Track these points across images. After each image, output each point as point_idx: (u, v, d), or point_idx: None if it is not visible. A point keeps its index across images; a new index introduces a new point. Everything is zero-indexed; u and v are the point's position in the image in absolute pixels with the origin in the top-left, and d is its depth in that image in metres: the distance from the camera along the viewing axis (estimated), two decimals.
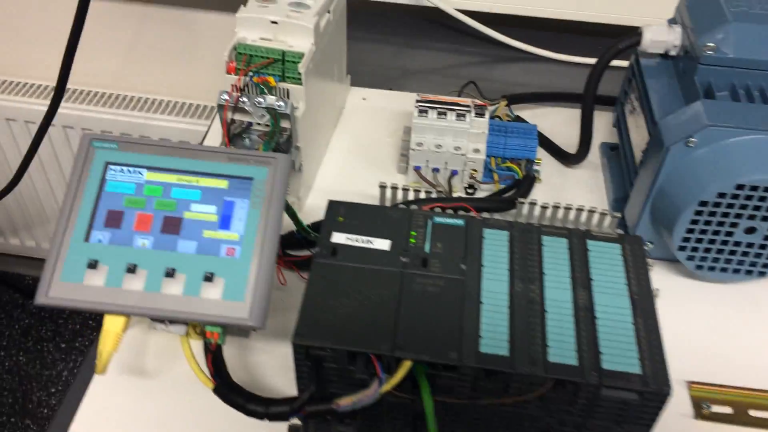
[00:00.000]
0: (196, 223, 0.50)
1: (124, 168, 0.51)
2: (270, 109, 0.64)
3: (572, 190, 0.76)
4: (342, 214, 0.55)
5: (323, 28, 0.68)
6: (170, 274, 0.48)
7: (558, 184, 0.76)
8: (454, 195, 0.72)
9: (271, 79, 0.64)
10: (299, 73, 0.64)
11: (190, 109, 1.26)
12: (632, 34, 0.67)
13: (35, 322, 1.62)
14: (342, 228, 0.53)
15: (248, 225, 0.50)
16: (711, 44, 0.60)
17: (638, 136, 0.68)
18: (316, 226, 0.62)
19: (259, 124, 0.66)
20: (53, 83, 1.25)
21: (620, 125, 0.75)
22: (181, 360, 0.50)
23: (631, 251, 0.52)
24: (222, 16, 1.16)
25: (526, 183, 0.70)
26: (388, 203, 0.69)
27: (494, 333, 0.47)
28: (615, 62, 0.95)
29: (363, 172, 0.78)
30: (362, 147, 0.81)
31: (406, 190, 0.67)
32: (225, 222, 0.50)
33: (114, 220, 0.50)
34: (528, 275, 0.50)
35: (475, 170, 0.73)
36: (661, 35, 0.66)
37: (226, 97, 0.64)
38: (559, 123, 0.84)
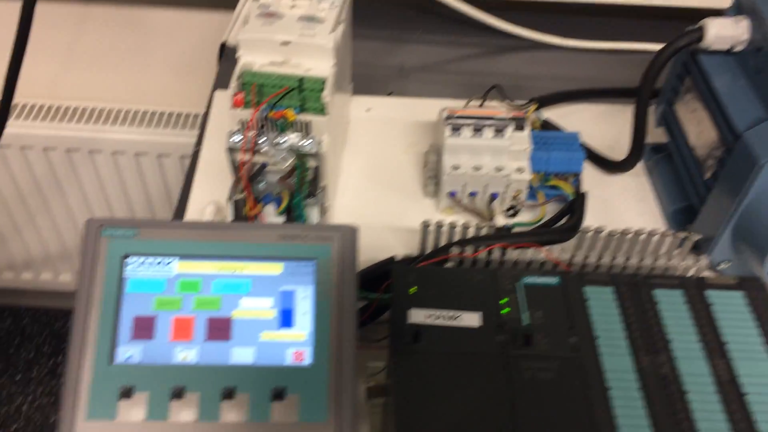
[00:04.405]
0: (250, 323, 0.40)
1: (148, 259, 0.40)
2: (294, 150, 0.53)
3: (619, 202, 0.69)
4: (412, 282, 0.45)
5: (339, 42, 0.57)
6: (229, 394, 0.38)
7: (601, 195, 0.69)
8: (497, 222, 0.64)
9: (290, 113, 0.54)
10: (323, 103, 0.54)
11: (145, 117, 1.12)
12: (691, 29, 0.59)
13: None
14: (418, 302, 0.44)
15: (318, 320, 0.40)
16: None
17: (702, 140, 0.60)
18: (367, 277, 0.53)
19: (275, 164, 0.55)
20: None
21: (670, 125, 0.67)
22: None
23: (755, 298, 0.45)
24: (171, 13, 1.02)
25: (580, 203, 0.62)
26: (430, 243, 0.60)
27: (634, 428, 0.39)
28: (623, 45, 0.89)
29: (386, 200, 0.68)
30: (378, 168, 0.71)
31: (453, 227, 0.58)
32: (286, 318, 0.40)
33: (143, 329, 0.39)
34: (652, 344, 0.43)
35: (519, 191, 0.64)
36: (727, 30, 0.58)
37: (238, 139, 0.53)
38: (587, 122, 0.76)
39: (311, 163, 0.55)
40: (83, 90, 1.12)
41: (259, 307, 0.40)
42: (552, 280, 0.46)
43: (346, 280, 0.40)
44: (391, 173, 0.71)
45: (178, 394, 0.38)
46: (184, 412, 0.38)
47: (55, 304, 1.51)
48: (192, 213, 0.65)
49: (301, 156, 0.53)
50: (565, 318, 0.44)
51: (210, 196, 0.65)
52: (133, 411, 0.37)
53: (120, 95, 1.12)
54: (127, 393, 0.38)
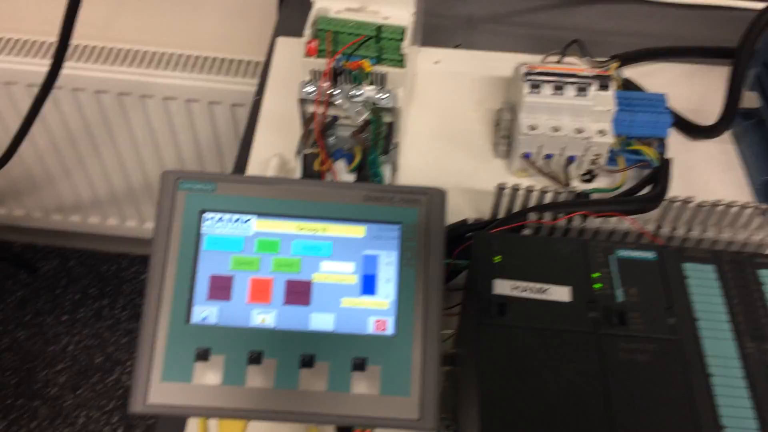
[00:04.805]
0: (330, 288, 0.38)
1: (225, 216, 0.38)
2: (370, 104, 0.50)
3: (703, 170, 0.65)
4: (496, 250, 0.43)
5: None
6: (308, 362, 0.36)
7: (685, 162, 0.65)
8: (575, 188, 0.60)
9: (366, 63, 0.51)
10: (401, 54, 0.51)
11: (197, 62, 1.09)
12: None
13: (30, 293, 1.49)
14: (503, 272, 0.42)
15: (401, 288, 0.37)
16: None
17: None
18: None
19: (347, 117, 0.52)
20: (38, 37, 1.09)
21: (765, 89, 0.63)
22: None
23: None
24: None
25: (665, 170, 0.59)
26: (503, 207, 0.57)
27: (738, 419, 0.36)
28: (708, 1, 0.83)
29: (454, 159, 0.65)
30: (446, 125, 0.68)
31: (530, 191, 0.55)
32: (368, 285, 0.38)
33: (220, 289, 0.37)
34: (757, 329, 0.40)
35: (598, 155, 0.60)
36: None
37: (311, 90, 0.50)
38: (670, 82, 0.71)
39: (386, 118, 0.52)
40: (136, 33, 1.09)
41: (340, 272, 0.38)
42: (648, 254, 0.43)
43: (433, 246, 0.38)
44: (460, 131, 0.67)
45: (255, 359, 0.36)
46: (262, 378, 0.36)
47: (102, 247, 1.52)
48: (254, 165, 0.63)
49: (377, 110, 0.50)
50: (663, 296, 0.41)
51: (273, 148, 0.63)
52: (209, 374, 0.36)
53: (173, 39, 1.09)
54: (203, 355, 0.36)
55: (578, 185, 0.62)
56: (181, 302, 0.37)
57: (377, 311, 0.37)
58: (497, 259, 0.42)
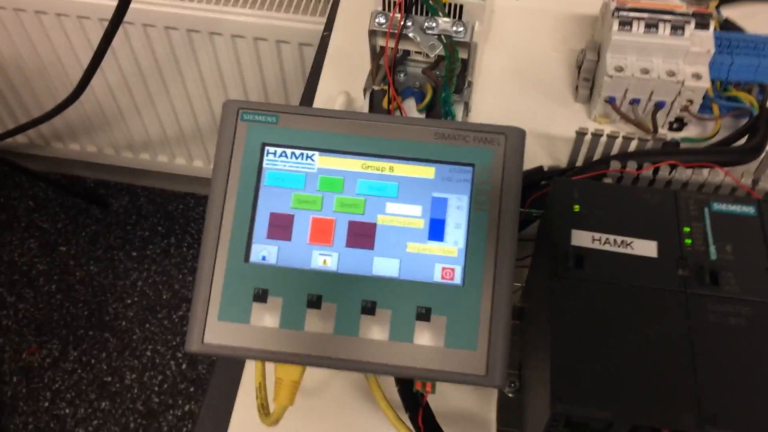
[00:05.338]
0: (395, 231, 0.35)
1: (288, 151, 0.36)
2: (445, 38, 0.47)
3: None
4: (577, 199, 0.39)
5: None
6: (369, 309, 0.34)
7: None
8: (663, 136, 0.56)
9: None
10: None
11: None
12: None
13: (102, 228, 1.54)
14: (582, 222, 0.38)
15: (471, 235, 0.35)
16: None
17: None
18: None
19: (418, 53, 0.49)
20: None
21: None
22: (369, 407, 0.38)
23: None
24: None
25: (766, 119, 0.53)
26: (582, 154, 0.53)
27: None
28: None
29: (530, 102, 0.61)
30: (523, 66, 0.63)
31: (614, 137, 0.51)
32: (436, 230, 0.35)
33: (280, 228, 0.35)
34: None
35: (690, 101, 0.55)
36: None
37: (382, 20, 0.47)
38: None
39: (461, 54, 0.48)
40: None
41: (406, 214, 0.35)
42: (747, 209, 0.38)
43: (509, 191, 0.35)
44: (538, 72, 0.63)
45: (315, 302, 0.34)
46: (321, 323, 0.34)
47: (170, 186, 1.55)
48: (320, 102, 0.60)
49: (451, 45, 0.47)
50: (763, 256, 0.37)
51: (339, 85, 0.60)
52: (267, 316, 0.34)
53: None
54: (261, 296, 0.35)
55: (666, 133, 0.57)
56: (240, 240, 0.35)
57: (445, 258, 0.35)
58: (576, 208, 0.39)
